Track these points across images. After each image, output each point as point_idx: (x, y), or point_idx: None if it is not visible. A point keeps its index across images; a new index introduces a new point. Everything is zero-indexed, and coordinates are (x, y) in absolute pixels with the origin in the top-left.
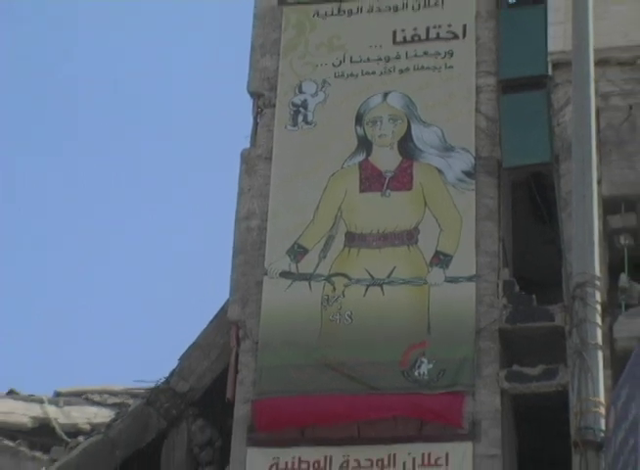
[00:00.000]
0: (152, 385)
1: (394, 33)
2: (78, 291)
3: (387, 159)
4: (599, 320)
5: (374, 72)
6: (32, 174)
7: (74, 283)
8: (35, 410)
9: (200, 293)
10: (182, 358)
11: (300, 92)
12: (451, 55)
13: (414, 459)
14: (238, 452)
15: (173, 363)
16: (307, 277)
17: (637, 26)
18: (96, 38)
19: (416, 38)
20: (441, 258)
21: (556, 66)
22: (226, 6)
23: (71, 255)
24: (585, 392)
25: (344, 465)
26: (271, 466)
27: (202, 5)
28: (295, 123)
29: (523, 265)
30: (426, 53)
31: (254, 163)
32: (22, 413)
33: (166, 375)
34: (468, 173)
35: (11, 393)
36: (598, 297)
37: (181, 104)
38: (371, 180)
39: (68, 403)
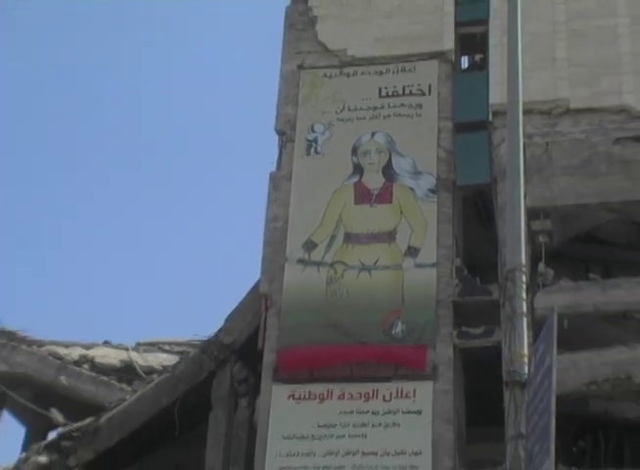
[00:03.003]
0: (205, 338)
1: (380, 90)
2: (160, 272)
3: (374, 180)
4: (524, 296)
5: (365, 118)
6: (121, 178)
7: (157, 267)
8: (122, 355)
9: (240, 274)
10: (227, 319)
11: (312, 131)
12: (420, 106)
13: (391, 393)
14: (266, 387)
15: (221, 323)
16: (316, 264)
17: (553, 87)
18: (157, 81)
19: (395, 93)
20: (412, 251)
21: (495, 114)
22: (261, 70)
23: (159, 240)
24: (514, 346)
25: (341, 396)
26: (289, 396)
27: (242, 70)
28: (308, 153)
29: (470, 256)
30: (402, 104)
31: (279, 181)
32: (113, 357)
33: (216, 331)
34: (432, 190)
35: (106, 342)
36: (523, 279)
37: (229, 141)
38: (362, 196)
39: (146, 351)
